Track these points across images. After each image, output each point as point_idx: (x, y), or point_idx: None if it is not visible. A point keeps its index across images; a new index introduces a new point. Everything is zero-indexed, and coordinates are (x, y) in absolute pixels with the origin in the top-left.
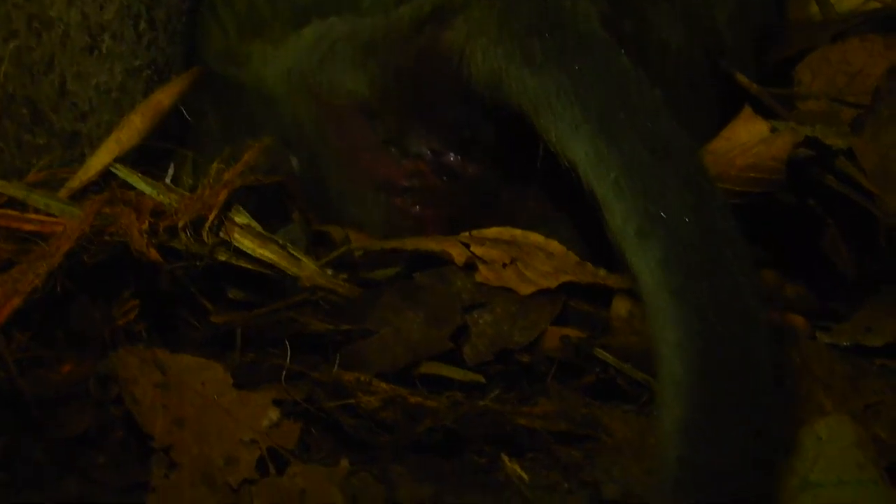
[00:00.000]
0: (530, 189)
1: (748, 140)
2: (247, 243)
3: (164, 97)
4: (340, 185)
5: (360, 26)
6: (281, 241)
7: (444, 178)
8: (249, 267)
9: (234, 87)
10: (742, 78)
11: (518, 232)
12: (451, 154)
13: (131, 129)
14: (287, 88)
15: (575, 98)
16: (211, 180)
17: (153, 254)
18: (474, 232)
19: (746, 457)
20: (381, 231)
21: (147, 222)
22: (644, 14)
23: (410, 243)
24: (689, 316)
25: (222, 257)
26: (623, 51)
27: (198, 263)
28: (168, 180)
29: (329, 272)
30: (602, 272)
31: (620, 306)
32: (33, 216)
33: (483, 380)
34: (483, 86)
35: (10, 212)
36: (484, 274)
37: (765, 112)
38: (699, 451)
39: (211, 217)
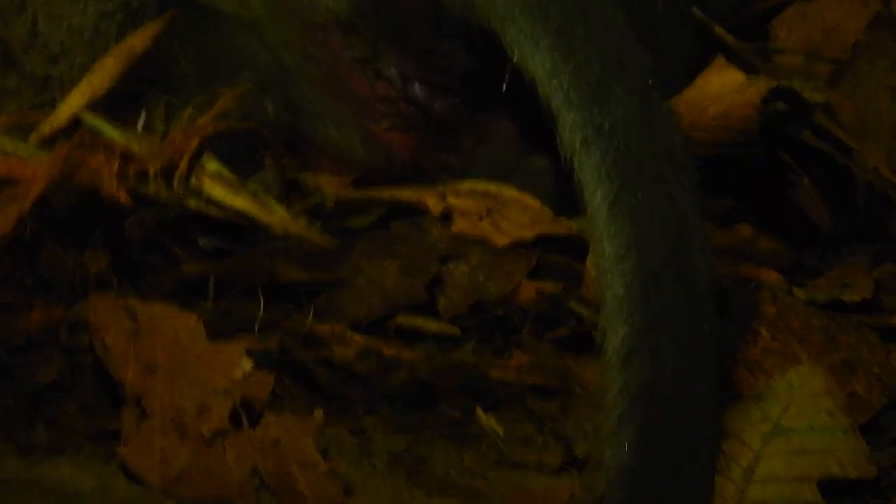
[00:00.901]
0: (501, 123)
1: (721, 89)
2: (218, 191)
3: (138, 41)
4: (321, 108)
5: None
6: (253, 189)
7: (412, 107)
8: (221, 215)
9: (212, 23)
10: (719, 30)
11: (493, 185)
12: (419, 85)
13: (104, 73)
14: (267, 7)
15: (538, 12)
16: (183, 126)
17: (123, 197)
18: (450, 182)
19: (684, 377)
20: (361, 154)
21: (117, 166)
22: None
23: (387, 193)
24: (626, 227)
25: (193, 205)
26: None
27: (168, 212)
28: (141, 125)
29: (303, 219)
30: (574, 225)
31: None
32: (2, 161)
33: (458, 332)
34: (454, 4)
35: None
36: (460, 224)
37: (740, 64)
38: (640, 375)
39: (182, 164)
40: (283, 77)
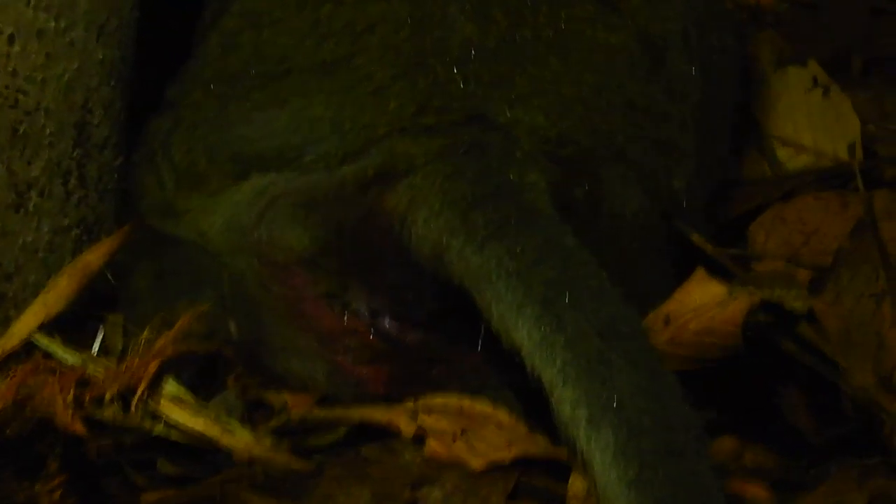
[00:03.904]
0: (474, 354)
1: (702, 303)
2: (178, 414)
3: (94, 258)
4: (283, 341)
5: (301, 183)
6: (214, 413)
7: (382, 341)
8: (181, 439)
9: (170, 243)
10: (697, 238)
11: (466, 400)
12: (390, 319)
13: (58, 292)
14: (226, 242)
15: (517, 277)
16: (141, 349)
17: (79, 427)
18: (421, 400)
19: None
20: (325, 387)
21: (72, 394)
22: (598, 181)
23: (356, 413)
24: None
25: (153, 430)
26: (569, 227)
27: (125, 438)
28: (97, 346)
29: (267, 441)
30: (551, 443)
31: (578, 485)
32: None
33: None
34: (423, 256)
35: None
36: (433, 447)
37: (719, 272)
38: None
39: (140, 389)
40: (246, 301)
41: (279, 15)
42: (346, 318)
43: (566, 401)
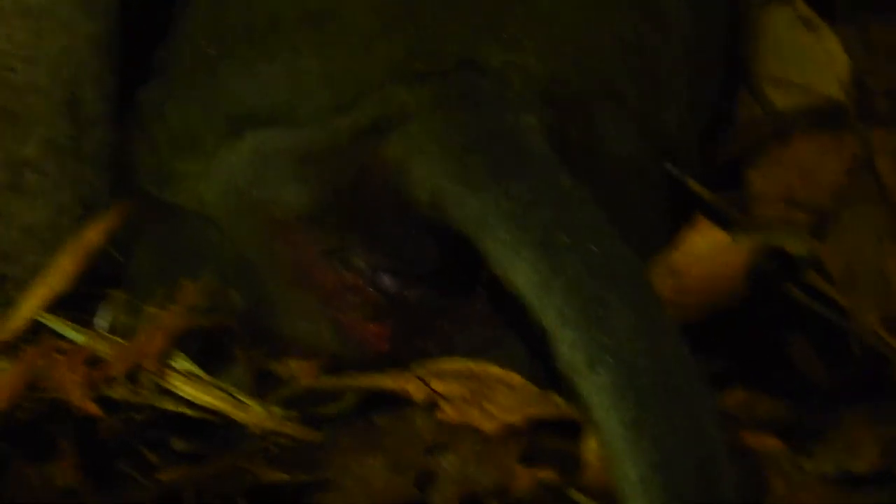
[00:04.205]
0: (478, 308)
1: (703, 250)
2: (189, 390)
3: (95, 235)
4: (287, 303)
5: (297, 138)
6: (225, 386)
7: (383, 297)
8: (194, 414)
9: (171, 216)
10: (694, 184)
11: (474, 364)
12: (389, 275)
13: (61, 271)
14: (224, 204)
15: (515, 220)
16: (148, 325)
17: (92, 407)
18: (429, 364)
19: None
20: (333, 346)
21: (82, 373)
22: (592, 121)
23: (365, 380)
24: (648, 449)
25: (164, 406)
26: (566, 167)
27: (136, 416)
28: (103, 325)
29: (278, 413)
30: (564, 403)
31: (592, 444)
32: None
33: None
34: (422, 205)
35: None
36: (446, 412)
37: (717, 218)
38: None
39: (149, 365)
40: (248, 270)
41: None
42: (346, 274)
43: (565, 343)
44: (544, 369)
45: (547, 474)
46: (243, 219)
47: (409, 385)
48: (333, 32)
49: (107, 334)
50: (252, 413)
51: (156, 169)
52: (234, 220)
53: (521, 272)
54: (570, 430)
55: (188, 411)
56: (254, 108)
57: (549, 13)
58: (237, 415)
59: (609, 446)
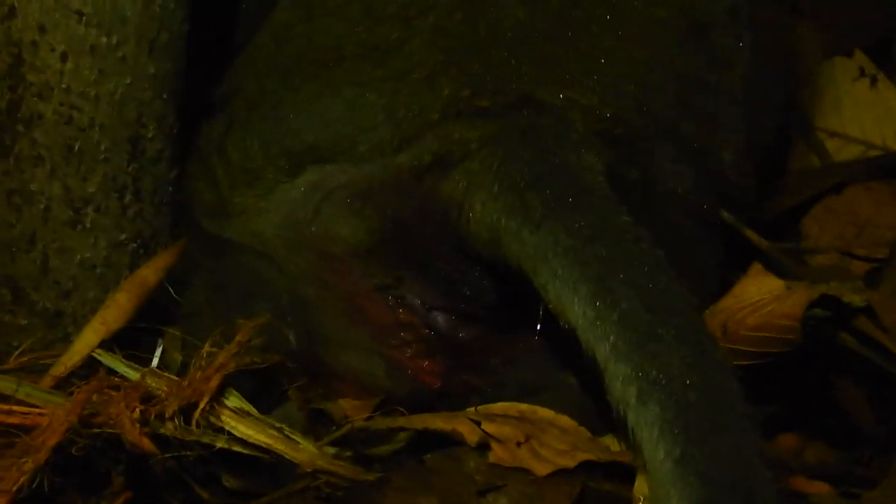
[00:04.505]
0: (529, 347)
1: (759, 298)
2: (241, 429)
3: (151, 272)
4: (341, 338)
5: (357, 174)
6: (277, 424)
7: (437, 335)
8: (245, 451)
9: (226, 254)
10: (750, 233)
11: (526, 407)
12: (443, 314)
13: (117, 308)
14: (282, 239)
15: (574, 256)
16: (202, 363)
17: (146, 444)
18: (480, 408)
19: None
20: (385, 382)
21: (137, 410)
22: (651, 160)
23: (418, 422)
24: (695, 484)
25: (216, 443)
26: (625, 206)
27: (188, 452)
28: (156, 361)
29: (330, 452)
30: (615, 445)
31: (644, 486)
32: (17, 408)
33: None
34: (481, 241)
35: None
36: (498, 454)
37: (773, 267)
38: None
39: (202, 404)
40: (303, 306)
41: (332, 3)
42: (400, 311)
43: (618, 377)
44: (595, 412)
45: None
46: (300, 253)
47: (462, 427)
48: (398, 67)
49: (161, 371)
50: (304, 451)
51: (214, 203)
52: (290, 255)
53: (578, 307)
54: (621, 473)
55: (240, 448)
56: (315, 143)
57: (610, 51)
58: (289, 453)
59: (657, 481)
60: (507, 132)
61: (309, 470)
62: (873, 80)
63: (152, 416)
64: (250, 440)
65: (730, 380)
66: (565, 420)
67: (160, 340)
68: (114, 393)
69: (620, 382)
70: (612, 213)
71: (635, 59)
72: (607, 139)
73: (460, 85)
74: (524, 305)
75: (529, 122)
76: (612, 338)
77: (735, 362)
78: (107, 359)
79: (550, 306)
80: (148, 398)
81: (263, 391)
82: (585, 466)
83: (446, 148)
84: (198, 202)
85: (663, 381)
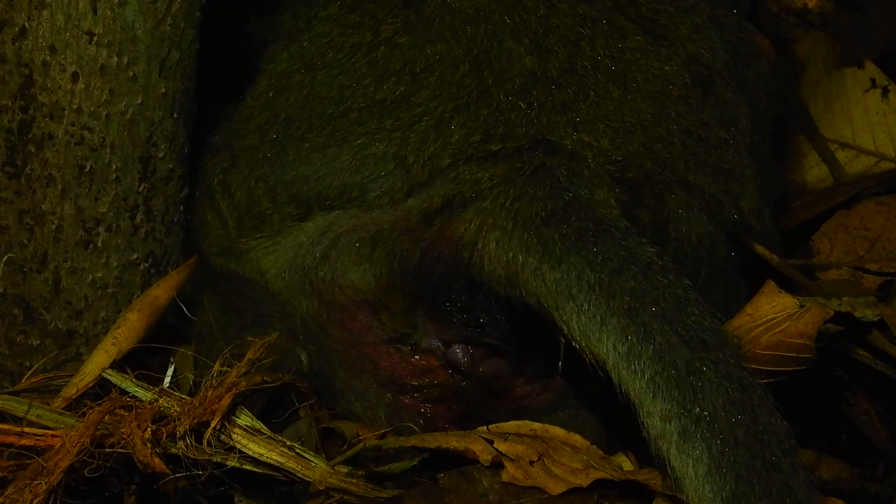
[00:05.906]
0: (548, 380)
1: (773, 316)
2: (253, 447)
3: (162, 292)
4: (344, 382)
5: (366, 219)
6: (289, 443)
7: (455, 374)
8: (257, 470)
9: (235, 279)
10: (762, 250)
11: (538, 425)
12: (461, 347)
13: (128, 328)
14: (288, 283)
15: (599, 288)
16: (214, 382)
17: (158, 464)
18: (492, 427)
19: None
20: (387, 426)
21: (149, 430)
22: (662, 205)
23: (432, 440)
24: None
25: (228, 462)
26: (646, 238)
27: (200, 472)
28: (167, 381)
29: (343, 471)
30: (627, 464)
31: None
32: (29, 430)
33: None
34: (497, 281)
35: (3, 426)
36: (511, 472)
37: (785, 283)
38: None
39: (214, 423)
40: (314, 329)
41: (333, 57)
42: (415, 358)
43: (656, 414)
44: (605, 431)
45: None
46: (304, 298)
47: (475, 445)
48: (406, 118)
49: (172, 391)
50: (316, 470)
51: (222, 241)
52: (294, 298)
53: (607, 341)
54: (636, 492)
55: (252, 467)
56: (323, 189)
57: (619, 101)
58: (301, 471)
59: None
60: (518, 170)
61: (321, 488)
62: (884, 91)
63: (164, 436)
64: (262, 459)
65: (775, 416)
66: (577, 438)
67: (172, 359)
68: (125, 413)
69: (659, 419)
70: (636, 245)
71: (644, 110)
72: (619, 181)
73: (470, 130)
74: (543, 336)
75: (541, 161)
76: (648, 373)
77: None
78: (118, 379)
79: (574, 342)
80: (160, 418)
81: (275, 410)
82: (599, 485)
83: (457, 190)
84: (206, 236)
85: (708, 419)
